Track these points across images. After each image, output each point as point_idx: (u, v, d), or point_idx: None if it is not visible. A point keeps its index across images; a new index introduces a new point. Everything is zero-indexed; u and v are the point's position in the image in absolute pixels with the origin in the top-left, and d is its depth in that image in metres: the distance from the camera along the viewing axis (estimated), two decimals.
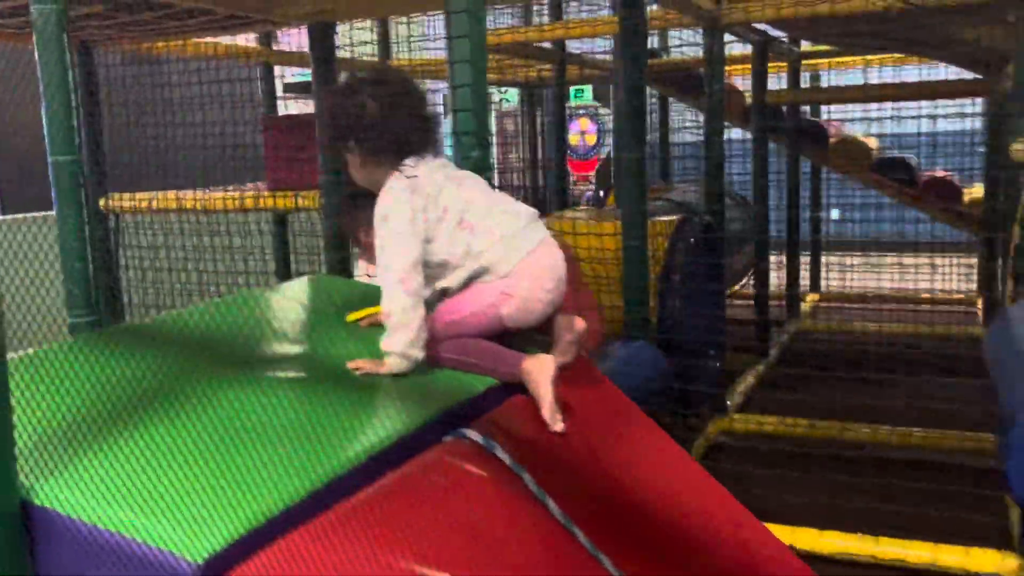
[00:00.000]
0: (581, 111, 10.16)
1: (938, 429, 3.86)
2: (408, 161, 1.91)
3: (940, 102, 5.81)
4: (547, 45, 5.39)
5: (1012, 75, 3.58)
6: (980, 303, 6.38)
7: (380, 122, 1.87)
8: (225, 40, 4.20)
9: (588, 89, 10.01)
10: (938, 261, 6.57)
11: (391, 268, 1.82)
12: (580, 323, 1.90)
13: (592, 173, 9.93)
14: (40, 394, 1.47)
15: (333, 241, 3.52)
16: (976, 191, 5.88)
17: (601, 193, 7.24)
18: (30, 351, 1.70)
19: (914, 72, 5.56)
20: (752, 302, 5.49)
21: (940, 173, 5.99)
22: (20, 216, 5.23)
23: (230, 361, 1.70)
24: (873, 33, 3.99)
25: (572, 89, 10.30)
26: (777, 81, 5.91)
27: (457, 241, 1.86)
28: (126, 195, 3.95)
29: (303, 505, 1.26)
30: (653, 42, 6.23)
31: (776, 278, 5.92)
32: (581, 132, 10.32)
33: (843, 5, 3.54)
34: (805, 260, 6.56)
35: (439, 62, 5.13)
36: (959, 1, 3.40)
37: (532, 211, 1.95)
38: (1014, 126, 3.47)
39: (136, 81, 4.07)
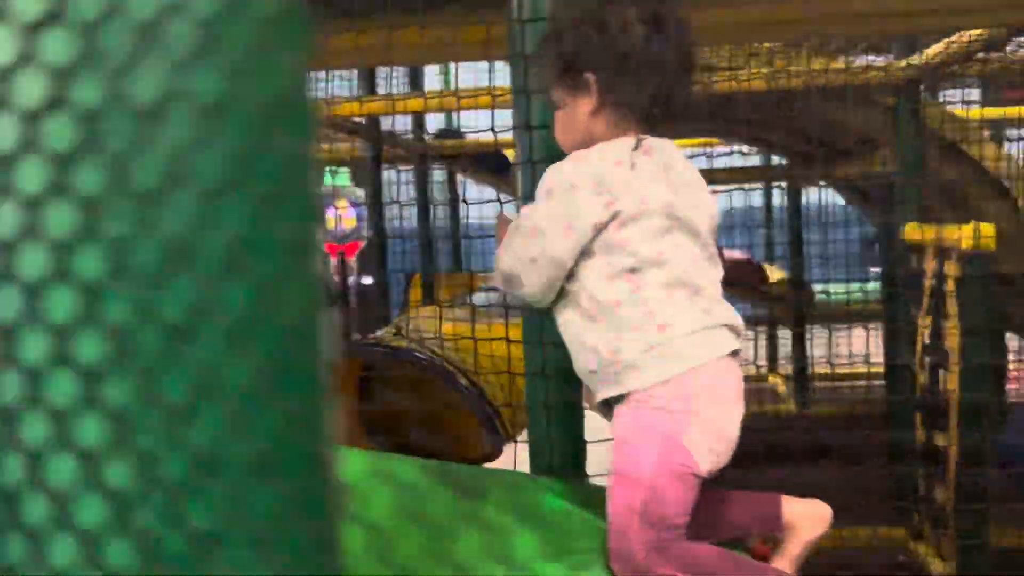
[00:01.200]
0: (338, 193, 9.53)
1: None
2: (647, 141, 1.37)
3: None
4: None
5: (892, 159, 3.59)
6: (776, 380, 6.57)
7: (645, 55, 1.35)
8: None
9: (344, 171, 9.40)
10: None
11: (524, 250, 1.38)
12: (827, 510, 1.38)
13: (353, 259, 9.28)
14: None
15: None
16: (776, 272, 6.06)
17: (370, 280, 6.70)
18: None
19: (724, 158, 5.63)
20: None
21: (738, 254, 6.11)
22: None
23: None
24: (740, 120, 3.88)
25: (326, 170, 9.69)
26: None
27: (611, 283, 1.35)
28: None
29: None
30: (456, 121, 5.86)
31: None
32: (337, 215, 9.67)
33: (745, 84, 3.35)
34: None
35: None
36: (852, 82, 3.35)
37: (733, 315, 1.40)
38: (902, 210, 3.47)
39: None
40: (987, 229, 2.84)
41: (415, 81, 5.76)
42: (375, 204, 5.12)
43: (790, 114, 3.73)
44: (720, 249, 5.13)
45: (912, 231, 3.34)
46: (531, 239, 1.36)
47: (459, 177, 6.77)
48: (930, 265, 3.25)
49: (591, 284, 1.36)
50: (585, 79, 1.38)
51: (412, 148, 5.53)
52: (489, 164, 5.78)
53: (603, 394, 1.40)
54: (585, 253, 1.35)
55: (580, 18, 1.40)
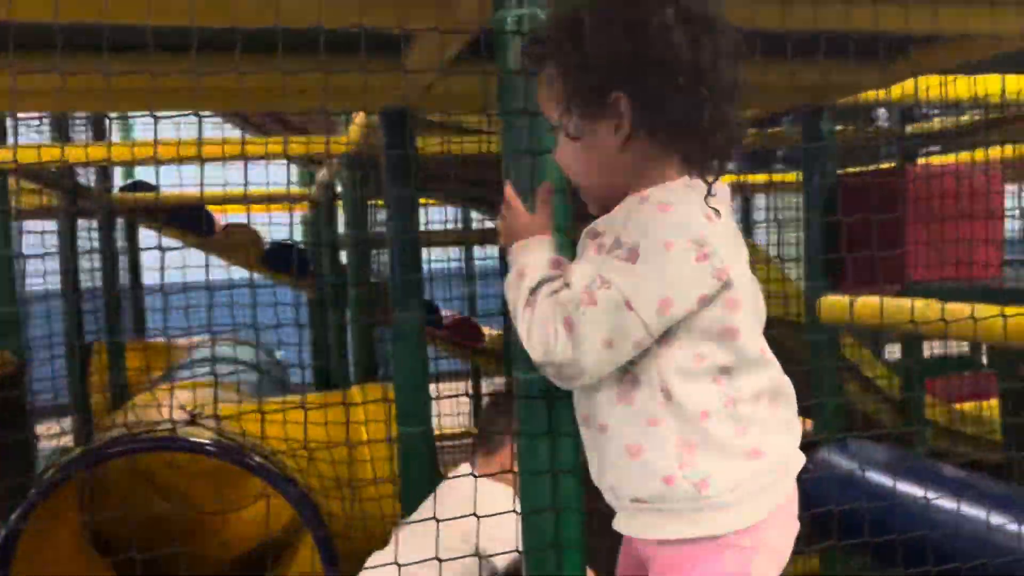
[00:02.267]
0: None
1: None
2: (717, 186, 1.08)
3: None
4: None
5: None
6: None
7: (692, 67, 1.03)
8: None
9: None
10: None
11: (597, 328, 1.03)
12: None
13: None
14: None
15: None
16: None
17: None
18: None
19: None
20: None
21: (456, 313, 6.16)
22: None
23: None
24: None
25: None
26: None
27: (696, 383, 1.05)
28: None
29: None
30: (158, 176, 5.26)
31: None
32: None
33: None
34: None
35: None
36: None
37: (796, 412, 1.17)
38: None
39: None
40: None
41: (99, 131, 5.11)
42: (71, 261, 4.41)
43: None
44: (437, 309, 5.12)
45: None
46: (612, 315, 1.01)
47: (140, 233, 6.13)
48: None
49: (666, 378, 1.05)
50: (613, 100, 1.06)
51: (102, 201, 4.86)
52: (187, 221, 5.28)
53: (654, 533, 1.10)
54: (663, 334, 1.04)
55: (605, 20, 1.05)
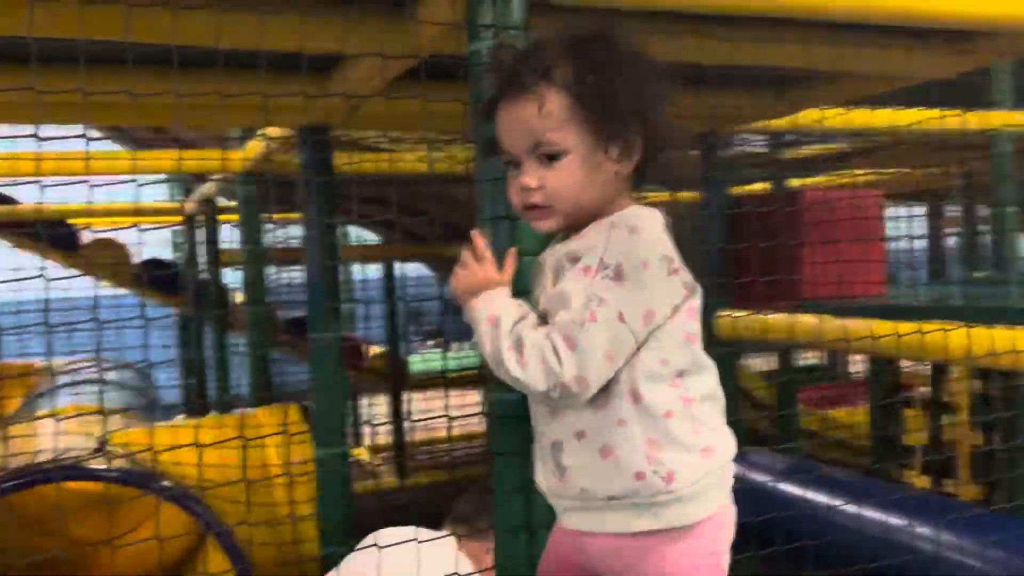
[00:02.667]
0: None
1: None
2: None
3: None
4: None
5: None
6: (361, 453, 6.55)
7: (668, 111, 1.19)
8: None
9: None
10: None
11: (600, 343, 1.10)
12: None
13: None
14: None
15: None
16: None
17: None
18: None
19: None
20: None
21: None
22: None
23: None
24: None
25: None
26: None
27: (659, 385, 1.14)
28: None
29: None
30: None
31: None
32: None
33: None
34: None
35: None
36: None
37: None
38: None
39: None
40: None
41: None
42: None
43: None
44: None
45: None
46: (611, 329, 1.09)
47: None
48: None
49: (636, 381, 1.13)
50: (631, 132, 1.17)
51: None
52: (49, 235, 4.98)
53: (627, 527, 1.15)
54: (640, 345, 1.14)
55: (623, 57, 1.16)
